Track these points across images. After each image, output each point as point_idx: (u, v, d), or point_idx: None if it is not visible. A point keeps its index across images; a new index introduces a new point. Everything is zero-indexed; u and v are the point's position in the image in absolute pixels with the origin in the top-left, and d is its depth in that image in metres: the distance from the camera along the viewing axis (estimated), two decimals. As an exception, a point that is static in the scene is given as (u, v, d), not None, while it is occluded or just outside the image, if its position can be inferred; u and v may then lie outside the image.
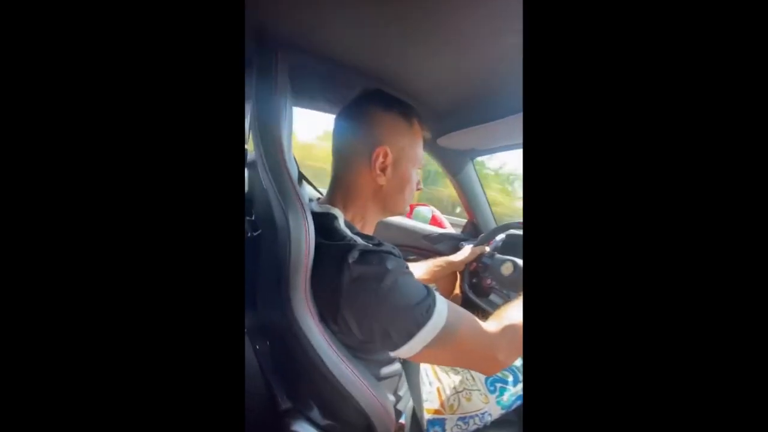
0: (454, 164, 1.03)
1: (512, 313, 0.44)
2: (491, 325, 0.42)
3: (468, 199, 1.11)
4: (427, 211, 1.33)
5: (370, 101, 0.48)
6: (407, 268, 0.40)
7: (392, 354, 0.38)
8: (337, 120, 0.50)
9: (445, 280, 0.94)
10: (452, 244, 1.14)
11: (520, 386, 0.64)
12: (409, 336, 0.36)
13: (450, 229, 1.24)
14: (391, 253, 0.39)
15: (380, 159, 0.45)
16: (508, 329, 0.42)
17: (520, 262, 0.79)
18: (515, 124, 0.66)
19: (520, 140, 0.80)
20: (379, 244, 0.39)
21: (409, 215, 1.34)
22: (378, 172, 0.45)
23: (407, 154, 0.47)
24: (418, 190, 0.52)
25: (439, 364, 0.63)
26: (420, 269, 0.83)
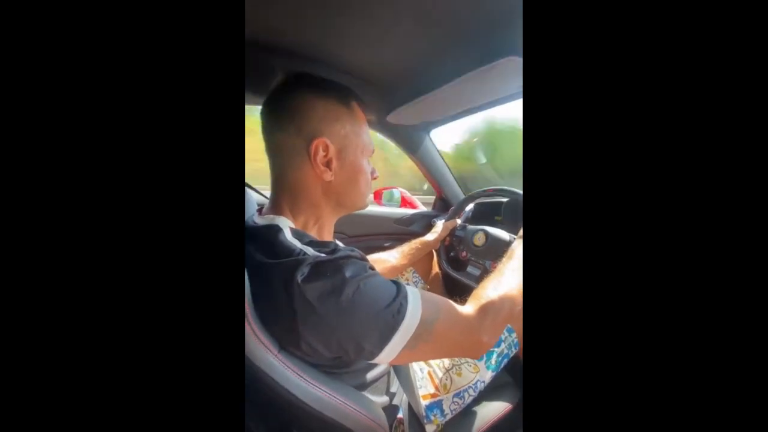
0: (410, 141, 0.99)
1: (489, 290, 0.42)
2: (469, 308, 0.40)
3: (432, 174, 1.09)
4: (396, 192, 1.30)
5: (298, 87, 0.41)
6: (370, 269, 0.36)
7: (371, 362, 0.36)
8: (263, 112, 0.42)
9: (423, 261, 0.93)
10: (425, 222, 1.13)
11: (503, 345, 0.65)
12: (384, 342, 0.33)
13: (421, 208, 1.23)
14: (348, 257, 0.35)
15: (321, 153, 0.39)
16: (487, 308, 0.40)
17: (490, 229, 0.78)
18: (462, 89, 0.63)
19: (470, 105, 0.77)
20: (334, 251, 0.35)
21: (379, 201, 1.31)
22: (322, 167, 0.40)
23: (352, 142, 0.42)
24: (374, 179, 0.47)
25: (423, 360, 0.62)
26: (397, 256, 0.81)
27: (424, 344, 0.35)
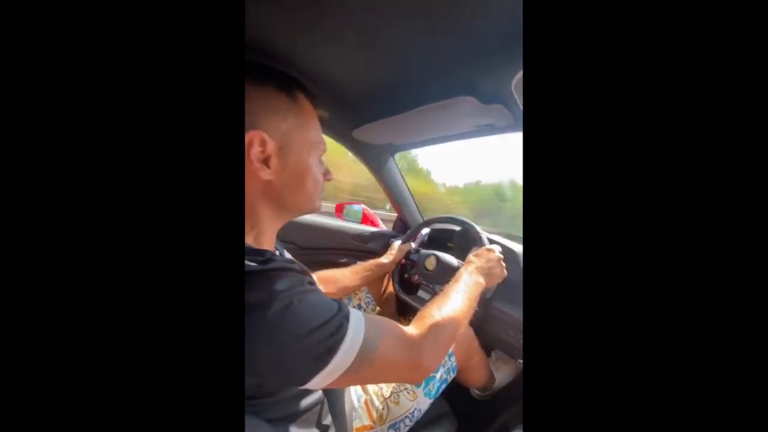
0: (375, 160, 1.00)
1: (433, 312, 0.42)
2: (412, 329, 0.39)
3: (393, 195, 1.10)
4: (358, 208, 1.29)
5: None
6: (309, 284, 0.33)
7: (301, 387, 0.32)
8: None
9: (377, 282, 0.92)
10: (383, 242, 1.13)
11: (442, 371, 0.64)
12: (320, 364, 0.30)
13: (381, 227, 1.23)
14: (283, 268, 0.32)
15: (256, 147, 0.35)
16: (430, 330, 0.39)
17: (441, 255, 0.80)
18: (423, 118, 0.65)
19: (436, 134, 0.81)
20: (268, 261, 0.32)
21: (340, 215, 1.29)
22: (258, 164, 0.35)
23: (297, 137, 0.37)
24: (327, 180, 0.43)
25: (361, 384, 0.58)
26: (349, 275, 0.78)
27: (366, 367, 0.33)
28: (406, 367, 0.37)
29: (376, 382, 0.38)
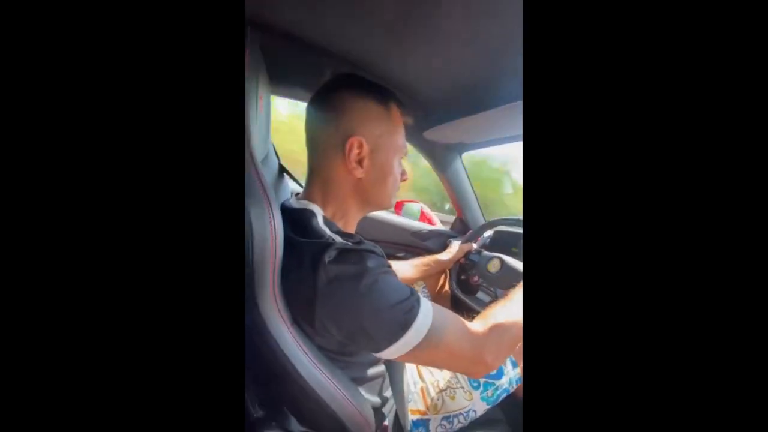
0: (442, 159, 1.01)
1: (498, 314, 0.43)
2: (477, 326, 0.40)
3: (456, 195, 1.10)
4: (416, 207, 1.31)
5: (341, 86, 0.44)
6: (389, 266, 0.37)
7: (376, 356, 0.37)
8: (308, 108, 0.46)
9: (433, 278, 0.93)
10: (441, 240, 1.13)
11: (504, 379, 0.63)
12: (395, 337, 0.34)
13: (439, 226, 1.23)
14: (371, 251, 0.36)
15: (355, 150, 0.41)
16: (495, 330, 0.40)
17: (506, 258, 0.78)
18: (503, 116, 0.65)
19: (508, 133, 0.79)
20: (360, 243, 0.37)
21: (399, 212, 1.33)
22: (354, 164, 0.41)
23: (386, 142, 0.43)
24: (403, 180, 0.49)
25: (424, 365, 0.62)
26: (408, 268, 0.81)
27: (431, 349, 0.36)
28: (468, 360, 0.39)
29: (439, 366, 0.40)
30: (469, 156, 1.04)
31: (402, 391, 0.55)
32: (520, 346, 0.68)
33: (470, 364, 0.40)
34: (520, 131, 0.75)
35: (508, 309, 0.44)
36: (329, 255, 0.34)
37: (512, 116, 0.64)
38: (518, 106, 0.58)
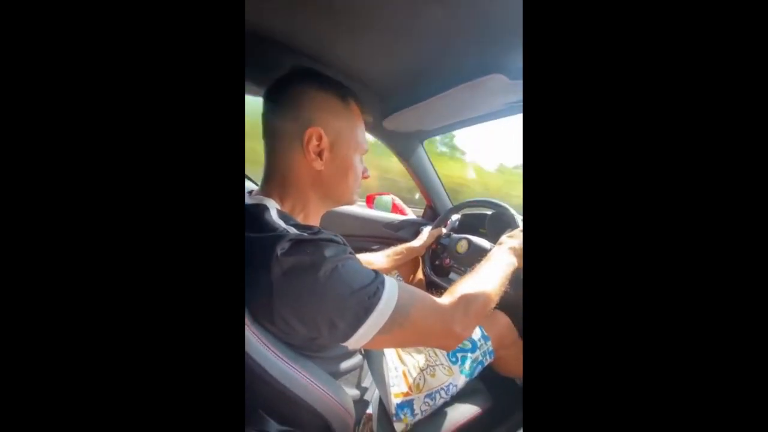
0: (404, 148, 1.03)
1: (464, 286, 0.44)
2: (443, 299, 0.41)
3: (422, 182, 1.12)
4: (387, 199, 1.33)
5: (301, 79, 0.44)
6: (350, 253, 0.37)
7: (344, 344, 0.36)
8: (264, 100, 0.44)
9: (407, 265, 0.95)
10: (413, 229, 1.16)
11: (478, 352, 0.66)
12: (358, 323, 0.34)
13: (411, 215, 1.26)
14: (329, 239, 0.36)
15: (314, 141, 0.41)
16: (461, 301, 0.41)
17: (473, 238, 0.81)
18: (455, 100, 0.66)
19: (464, 116, 0.81)
20: (317, 233, 0.37)
21: (371, 205, 1.33)
22: (313, 156, 0.42)
23: (346, 137, 0.44)
24: (365, 178, 0.49)
25: (396, 347, 0.62)
26: (381, 258, 0.82)
27: (399, 329, 0.36)
28: (437, 334, 0.40)
29: (409, 345, 0.41)
30: (430, 142, 1.06)
31: (383, 379, 0.56)
32: (493, 323, 0.72)
33: (441, 337, 0.41)
34: (475, 113, 0.78)
35: (473, 280, 0.46)
36: (282, 247, 0.33)
37: (464, 98, 0.66)
38: (468, 87, 0.59)
